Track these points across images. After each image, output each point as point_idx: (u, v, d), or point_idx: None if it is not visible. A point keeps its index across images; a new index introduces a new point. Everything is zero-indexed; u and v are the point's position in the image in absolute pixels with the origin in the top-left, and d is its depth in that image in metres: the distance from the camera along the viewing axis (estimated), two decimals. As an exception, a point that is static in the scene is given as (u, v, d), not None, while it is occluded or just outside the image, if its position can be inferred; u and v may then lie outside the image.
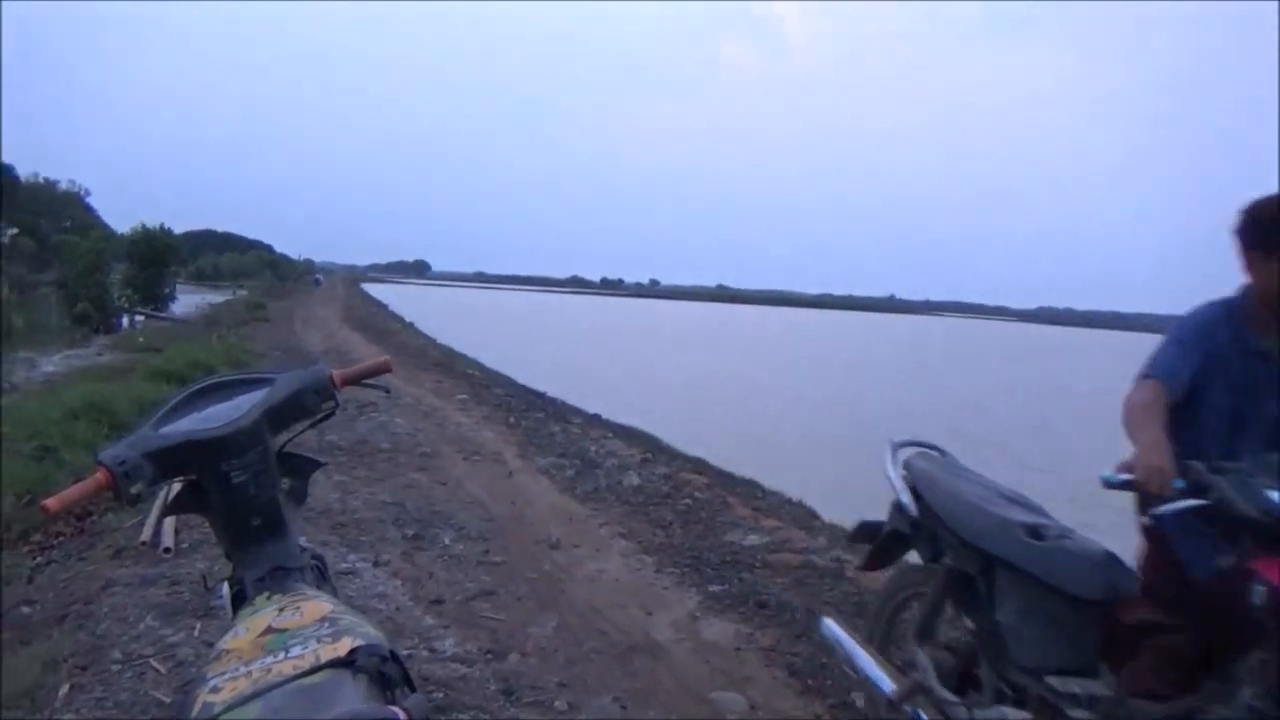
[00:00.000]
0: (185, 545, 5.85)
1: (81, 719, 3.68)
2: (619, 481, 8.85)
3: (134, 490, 1.70)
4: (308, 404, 2.05)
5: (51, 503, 1.68)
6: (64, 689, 3.92)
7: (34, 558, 6.16)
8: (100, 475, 1.68)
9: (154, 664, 4.15)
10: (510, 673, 4.43)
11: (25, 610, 5.19)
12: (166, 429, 1.82)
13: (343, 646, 1.50)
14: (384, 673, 1.47)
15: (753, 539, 6.96)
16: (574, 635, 5.00)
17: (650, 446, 11.73)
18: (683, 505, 7.99)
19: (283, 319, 38.72)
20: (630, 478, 9.00)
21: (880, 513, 3.44)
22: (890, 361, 48.00)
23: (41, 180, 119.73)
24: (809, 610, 5.37)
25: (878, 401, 26.10)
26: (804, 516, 8.41)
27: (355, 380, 2.23)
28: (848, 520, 8.26)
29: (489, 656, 4.61)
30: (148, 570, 5.40)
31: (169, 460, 1.77)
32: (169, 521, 5.98)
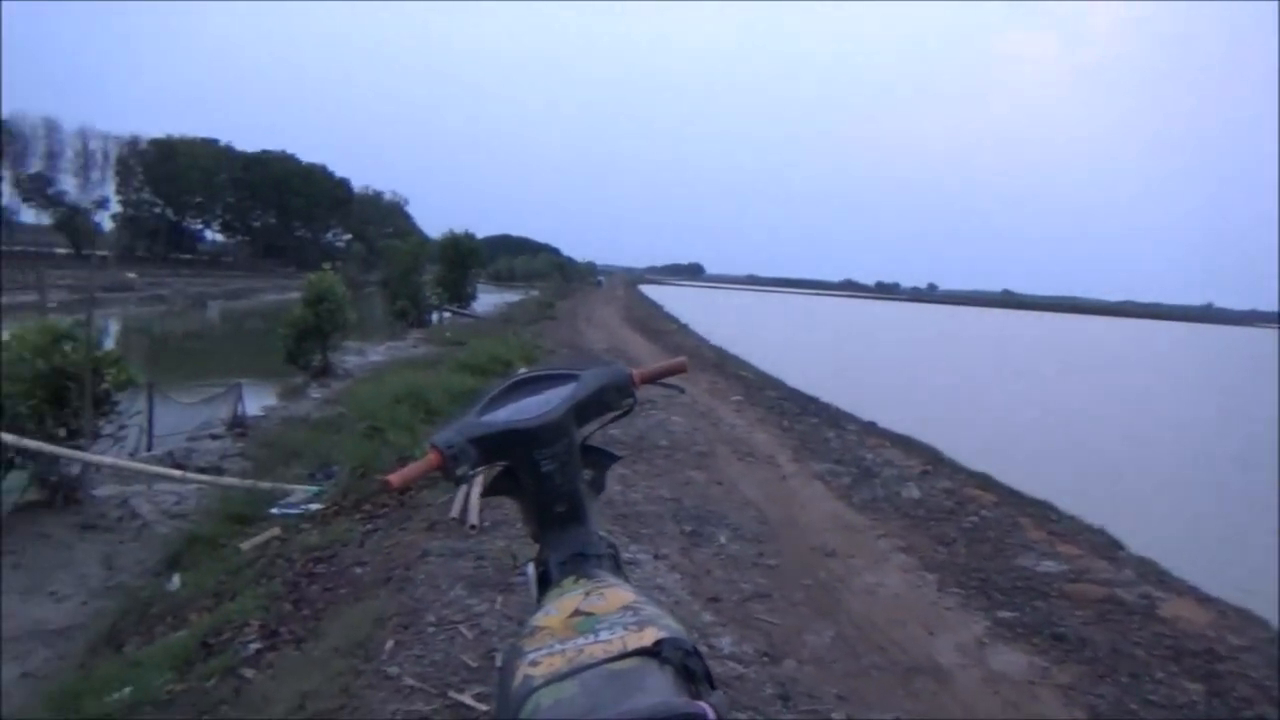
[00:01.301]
0: (487, 524, 6.37)
1: (404, 672, 4.10)
2: (897, 492, 8.55)
3: (459, 472, 1.84)
4: (609, 400, 2.13)
5: (394, 478, 1.86)
6: (389, 644, 4.40)
7: (364, 525, 6.98)
8: (433, 456, 1.83)
9: (463, 630, 4.55)
10: (786, 678, 4.40)
11: (358, 570, 5.89)
12: (488, 418, 1.96)
13: (648, 636, 1.53)
14: (688, 666, 1.49)
15: (1048, 565, 6.45)
16: (851, 648, 4.88)
17: (930, 458, 11.23)
18: (968, 523, 7.57)
19: (568, 318, 41.18)
20: (910, 489, 8.66)
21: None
22: (1216, 381, 42.49)
23: (370, 192, 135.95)
24: (1115, 649, 4.88)
25: (1199, 428, 23.25)
26: (1106, 546, 7.67)
27: (653, 379, 2.30)
28: (1160, 555, 7.43)
29: (765, 659, 4.61)
30: (457, 544, 5.94)
31: (489, 446, 1.90)
32: (475, 501, 6.53)
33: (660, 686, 1.42)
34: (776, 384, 19.10)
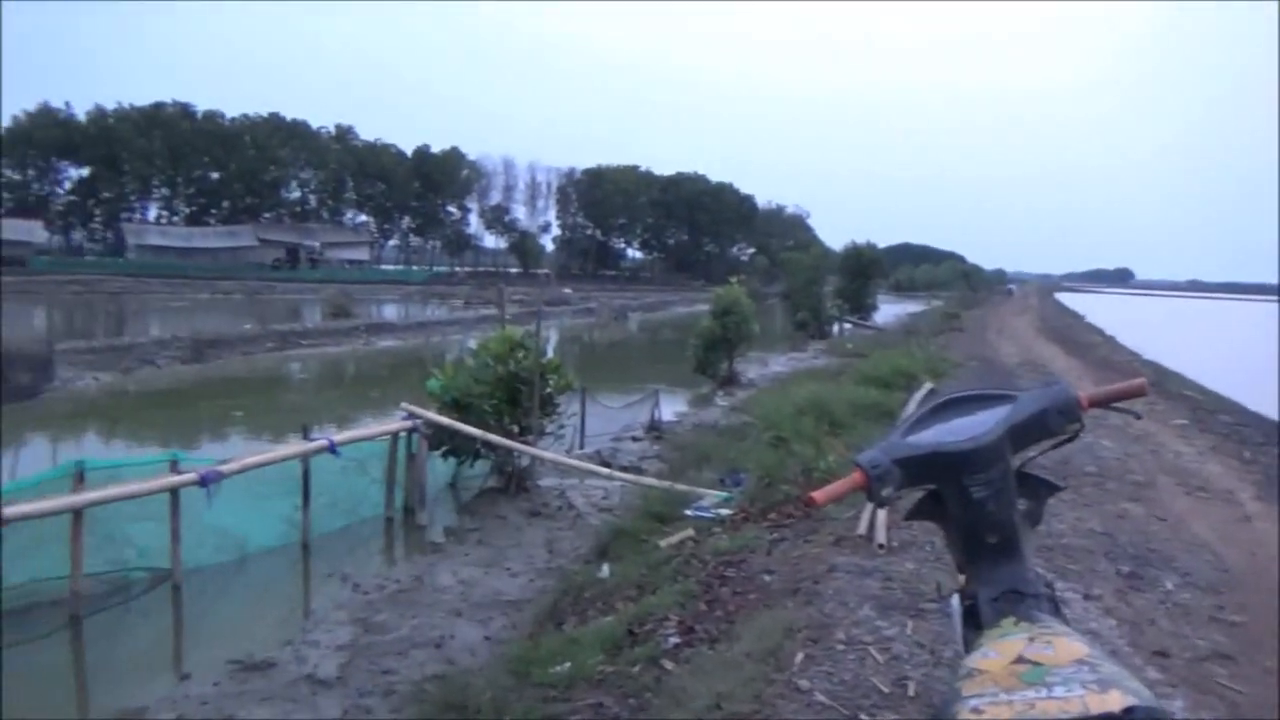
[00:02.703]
0: (895, 544, 6.23)
1: (815, 688, 4.14)
2: None
3: (884, 494, 1.79)
4: (1051, 424, 1.95)
5: (817, 496, 1.86)
6: (799, 656, 4.47)
7: (771, 533, 7.19)
8: (857, 476, 1.81)
9: (873, 652, 4.48)
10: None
11: (766, 578, 6.07)
12: (914, 438, 1.89)
13: (1114, 700, 1.36)
14: (1160, 740, 1.31)
15: None
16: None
17: None
18: None
19: (976, 329, 38.94)
20: None
21: None
22: None
23: (774, 206, 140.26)
24: None
25: None
26: None
27: (1104, 403, 2.07)
28: None
29: (1230, 733, 3.96)
30: (864, 561, 5.88)
31: (915, 468, 1.83)
32: (882, 519, 6.42)
33: None
34: (1233, 407, 16.42)
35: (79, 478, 8.58)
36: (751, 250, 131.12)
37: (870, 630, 4.75)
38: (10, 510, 7.25)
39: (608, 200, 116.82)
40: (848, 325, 47.48)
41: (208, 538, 9.45)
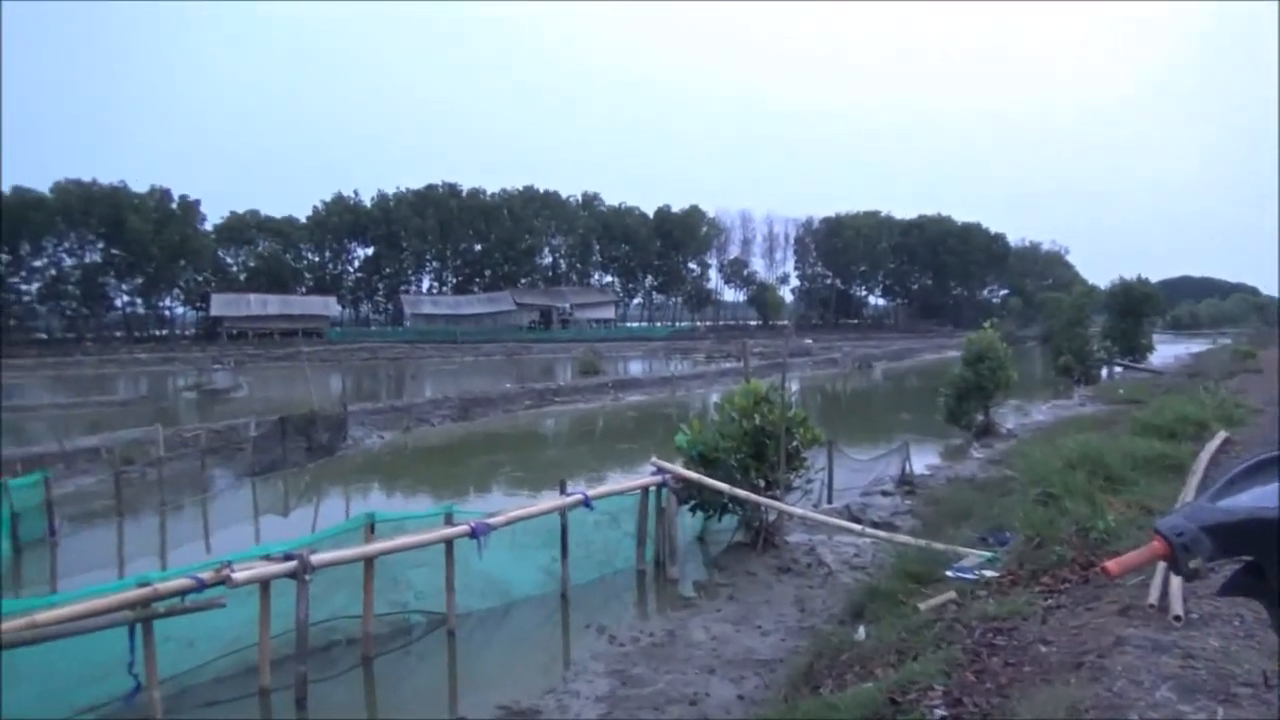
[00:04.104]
0: (1194, 616, 5.55)
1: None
2: None
3: (1192, 565, 1.62)
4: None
5: (1112, 566, 1.71)
6: (1087, 739, 4.06)
7: (1044, 599, 6.63)
8: (1157, 544, 1.65)
9: (1177, 740, 3.99)
10: None
11: (1042, 648, 5.59)
12: (1226, 503, 1.70)
13: None
14: None
15: None
16: None
17: None
18: None
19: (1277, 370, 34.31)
20: None
21: None
22: None
23: (1027, 244, 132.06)
24: None
25: None
26: None
27: None
28: None
29: None
30: (1158, 635, 5.27)
31: (1228, 537, 1.65)
32: (1178, 587, 5.75)
33: None
34: None
35: (370, 529, 9.51)
36: (1004, 292, 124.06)
37: (1171, 715, 4.23)
38: (316, 558, 8.12)
39: (847, 248, 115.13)
40: (1118, 369, 43.57)
41: (477, 585, 10.12)
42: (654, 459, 12.30)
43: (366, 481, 21.27)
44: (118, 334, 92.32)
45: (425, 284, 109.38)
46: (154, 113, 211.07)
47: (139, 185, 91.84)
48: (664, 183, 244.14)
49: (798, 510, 12.43)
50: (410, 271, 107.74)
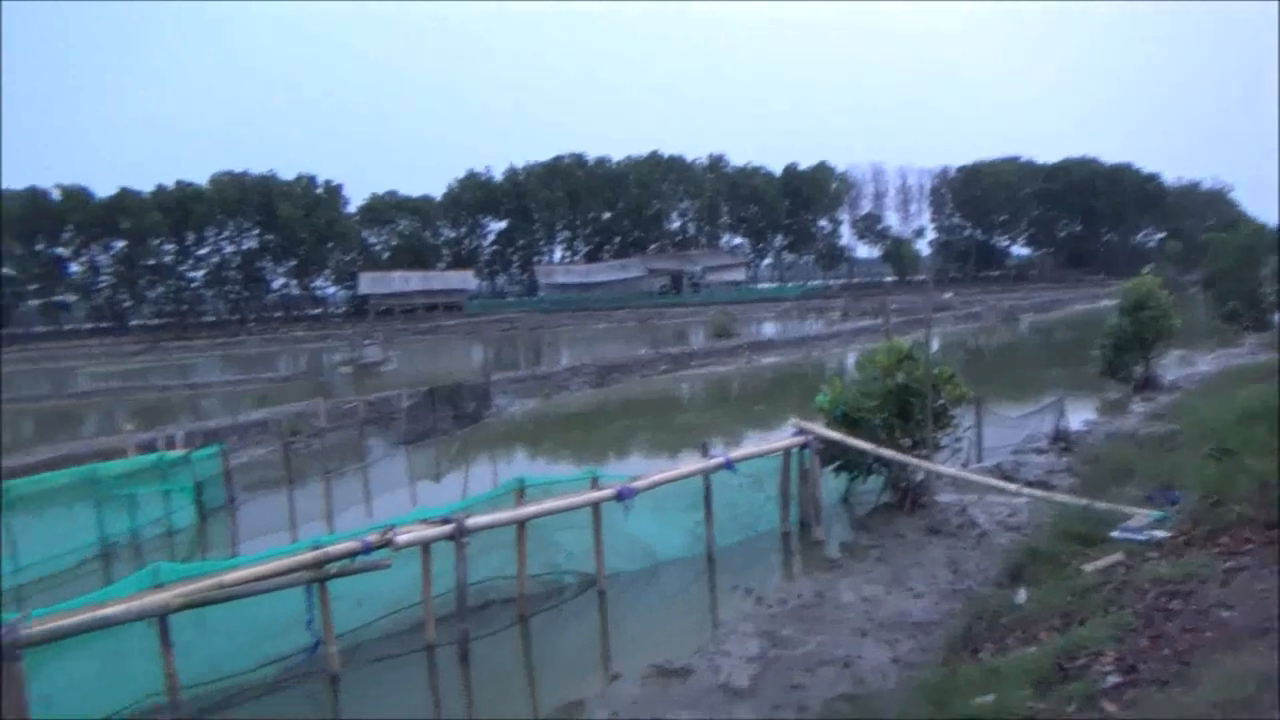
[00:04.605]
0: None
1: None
2: None
3: None
4: None
5: None
6: (1282, 710, 3.80)
7: (1223, 560, 6.22)
8: None
9: (1388, 712, 3.68)
10: None
11: (1223, 613, 5.26)
12: None
13: None
14: None
15: None
16: None
17: None
18: None
19: None
20: None
21: None
22: None
23: (1185, 183, 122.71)
24: None
25: None
26: None
27: None
28: None
29: None
30: (1359, 600, 4.87)
31: None
32: (1382, 548, 5.29)
33: None
34: None
35: (520, 493, 9.83)
36: (1161, 235, 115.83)
37: (1378, 684, 3.90)
38: (471, 522, 8.47)
39: (987, 197, 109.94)
40: (1294, 314, 40.08)
41: (624, 547, 10.33)
42: (795, 420, 12.19)
43: (510, 447, 21.97)
44: (277, 314, 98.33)
45: (557, 254, 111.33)
46: (296, 101, 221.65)
47: (286, 174, 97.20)
48: (792, 141, 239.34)
49: (947, 470, 12.08)
50: (542, 242, 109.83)
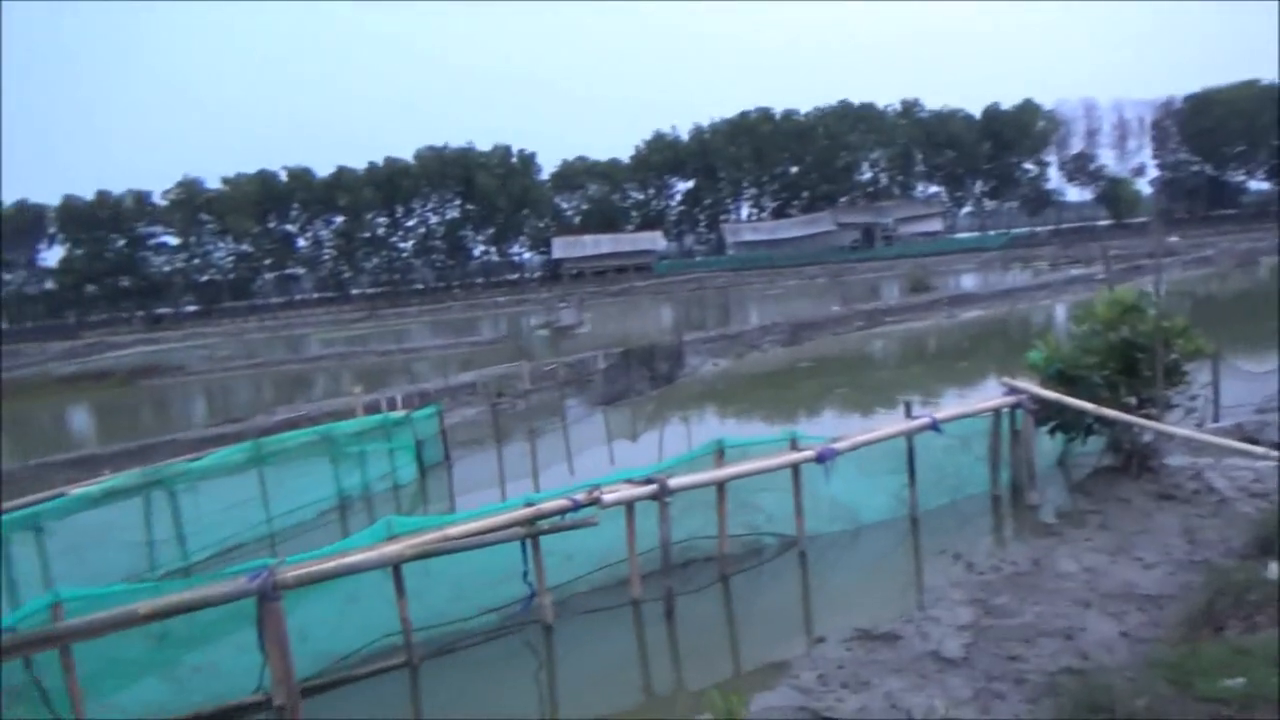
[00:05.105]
0: None
1: None
2: None
3: None
4: None
5: None
6: None
7: None
8: None
9: None
10: None
11: None
12: None
13: None
14: None
15: None
16: None
17: None
18: None
19: None
20: None
21: None
22: None
23: None
24: None
25: None
26: None
27: None
28: None
29: None
30: None
31: None
32: None
33: None
34: None
35: (719, 454, 9.90)
36: None
37: None
38: (673, 482, 8.62)
39: (1219, 128, 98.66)
40: None
41: (825, 509, 10.20)
42: (1006, 379, 11.56)
43: (703, 407, 22.15)
44: (478, 280, 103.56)
45: (744, 211, 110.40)
46: (489, 74, 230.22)
47: (483, 145, 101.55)
48: (992, 80, 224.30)
49: (1179, 430, 11.06)
50: (729, 200, 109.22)
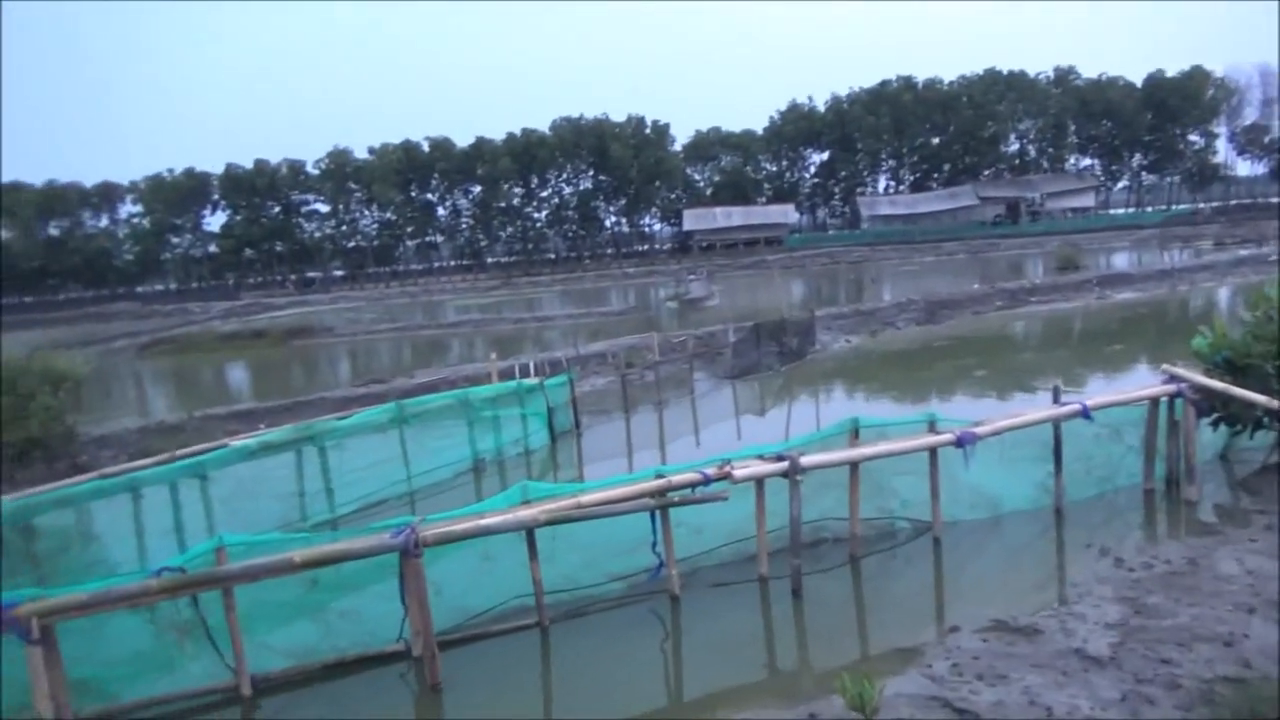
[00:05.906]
0: None
1: None
2: None
3: None
4: None
5: None
6: None
7: None
8: None
9: None
10: None
11: None
12: None
13: None
14: None
15: None
16: None
17: None
18: None
19: None
20: None
21: None
22: None
23: None
24: None
25: None
26: None
27: None
28: None
29: None
30: None
31: None
32: None
33: None
34: None
35: (854, 434, 9.71)
36: None
37: None
38: (805, 460, 8.52)
39: None
40: None
41: (963, 495, 9.87)
42: (1165, 366, 10.87)
43: (834, 384, 21.75)
44: (609, 251, 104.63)
45: (881, 184, 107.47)
46: (631, 46, 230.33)
47: (618, 115, 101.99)
48: (1157, 45, 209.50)
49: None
50: (865, 173, 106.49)
